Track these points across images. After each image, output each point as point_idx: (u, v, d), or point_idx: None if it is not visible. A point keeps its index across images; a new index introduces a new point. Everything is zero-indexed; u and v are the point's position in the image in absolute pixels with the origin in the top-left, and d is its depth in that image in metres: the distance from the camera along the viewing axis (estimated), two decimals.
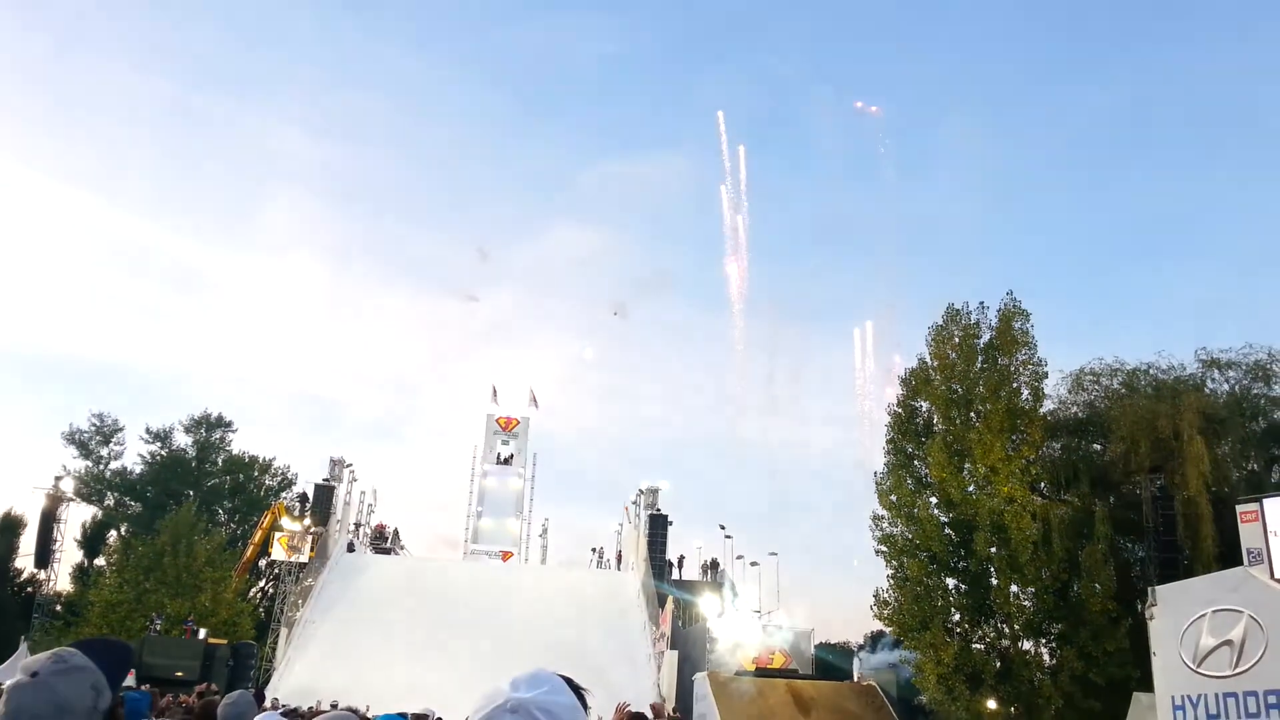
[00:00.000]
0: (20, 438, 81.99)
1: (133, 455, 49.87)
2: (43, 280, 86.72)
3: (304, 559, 33.64)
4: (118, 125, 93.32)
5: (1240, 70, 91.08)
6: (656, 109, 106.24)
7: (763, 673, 29.20)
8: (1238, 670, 21.75)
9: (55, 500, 37.01)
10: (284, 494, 49.93)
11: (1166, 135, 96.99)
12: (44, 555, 37.11)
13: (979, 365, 29.81)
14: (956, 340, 30.31)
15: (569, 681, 1.87)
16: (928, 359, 30.88)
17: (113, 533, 47.32)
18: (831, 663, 34.29)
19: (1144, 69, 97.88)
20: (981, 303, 30.64)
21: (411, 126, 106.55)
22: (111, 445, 49.68)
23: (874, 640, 37.24)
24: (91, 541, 46.54)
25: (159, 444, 50.07)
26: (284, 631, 29.08)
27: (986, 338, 30.21)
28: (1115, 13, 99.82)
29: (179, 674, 26.86)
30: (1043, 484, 29.73)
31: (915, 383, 30.89)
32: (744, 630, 30.10)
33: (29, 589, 39.94)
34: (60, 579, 39.97)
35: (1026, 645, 28.62)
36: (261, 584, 46.97)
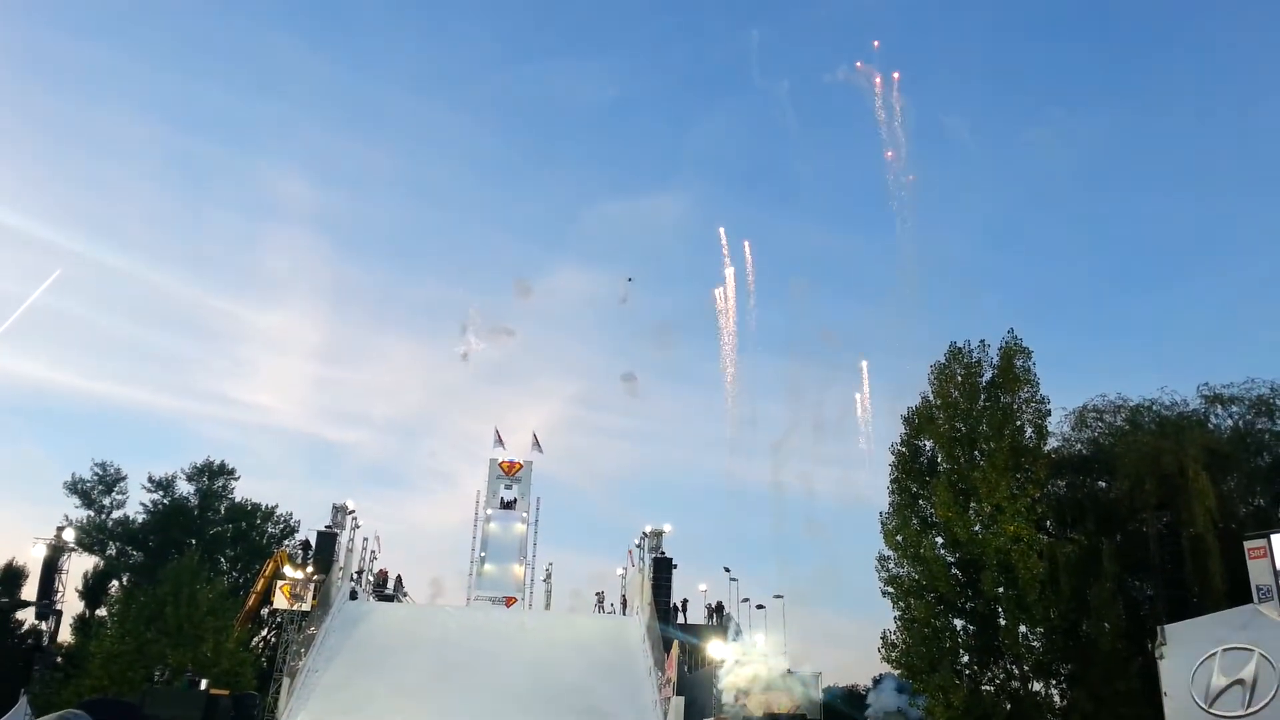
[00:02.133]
0: (23, 487, 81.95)
1: (135, 504, 49.73)
2: (44, 326, 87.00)
3: (306, 607, 33.32)
4: (119, 171, 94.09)
5: (1239, 95, 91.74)
6: (656, 151, 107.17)
7: (771, 718, 28.85)
8: (1250, 710, 21.61)
9: (57, 550, 36.82)
10: (286, 541, 49.65)
11: (1164, 161, 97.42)
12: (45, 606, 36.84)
13: (982, 403, 29.89)
14: (959, 379, 30.42)
15: None
16: (930, 397, 30.94)
17: (114, 582, 47.04)
18: (840, 707, 33.90)
19: (1138, 95, 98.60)
20: (983, 341, 30.87)
21: (412, 170, 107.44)
22: (114, 494, 49.52)
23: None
24: (93, 592, 46.25)
25: (161, 492, 49.89)
26: (286, 681, 28.69)
27: (989, 376, 30.32)
28: (1112, 37, 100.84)
29: None
30: (1048, 522, 29.66)
31: (919, 421, 30.93)
32: (760, 674, 29.78)
33: (30, 640, 39.61)
34: (62, 630, 39.66)
35: (1037, 686, 28.40)
36: (264, 633, 46.57)
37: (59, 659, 38.22)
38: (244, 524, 50.62)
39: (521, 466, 44.14)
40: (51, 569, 36.61)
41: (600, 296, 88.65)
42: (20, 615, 43.84)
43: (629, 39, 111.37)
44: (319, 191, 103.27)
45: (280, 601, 34.57)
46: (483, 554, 41.33)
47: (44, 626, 36.60)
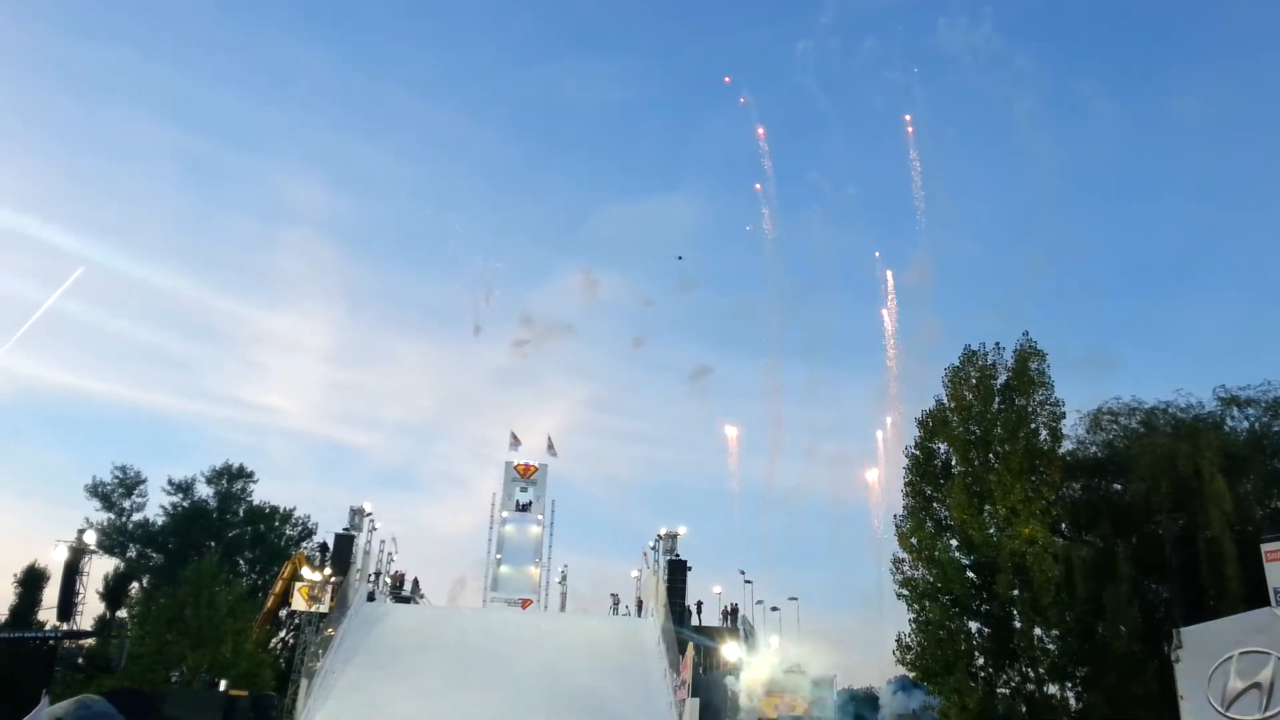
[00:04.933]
0: (43, 489, 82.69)
1: (155, 507, 50.19)
2: (61, 331, 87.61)
3: (324, 609, 33.61)
4: (134, 176, 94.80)
5: (1263, 100, 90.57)
6: (665, 152, 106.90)
7: None
8: (1268, 714, 21.49)
9: (78, 553, 37.17)
10: (304, 544, 49.94)
11: (1182, 164, 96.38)
12: (66, 608, 37.21)
13: (996, 406, 29.85)
14: (973, 381, 30.39)
15: None
16: (945, 400, 30.92)
17: (135, 584, 47.44)
18: (855, 710, 33.91)
19: (1161, 95, 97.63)
20: (998, 344, 30.81)
21: (422, 173, 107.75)
22: (134, 497, 49.98)
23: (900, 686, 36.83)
24: (114, 594, 46.63)
25: (181, 495, 50.34)
26: (304, 682, 28.94)
27: (1003, 379, 30.27)
28: (1132, 41, 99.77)
29: None
30: (1063, 525, 29.56)
31: (933, 424, 30.91)
32: (773, 676, 29.87)
33: (51, 642, 40.01)
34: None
35: (1052, 689, 28.31)
36: (282, 634, 46.87)
37: (80, 660, 38.60)
38: (262, 526, 50.97)
39: (537, 469, 44.35)
40: (73, 571, 36.97)
41: (609, 298, 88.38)
42: (42, 616, 44.33)
43: (636, 41, 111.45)
44: (330, 194, 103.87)
45: (298, 603, 34.90)
46: (499, 556, 41.56)
47: (65, 628, 37.03)
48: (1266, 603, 22.44)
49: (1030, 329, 30.51)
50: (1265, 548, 22.94)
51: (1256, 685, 22.04)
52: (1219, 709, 22.42)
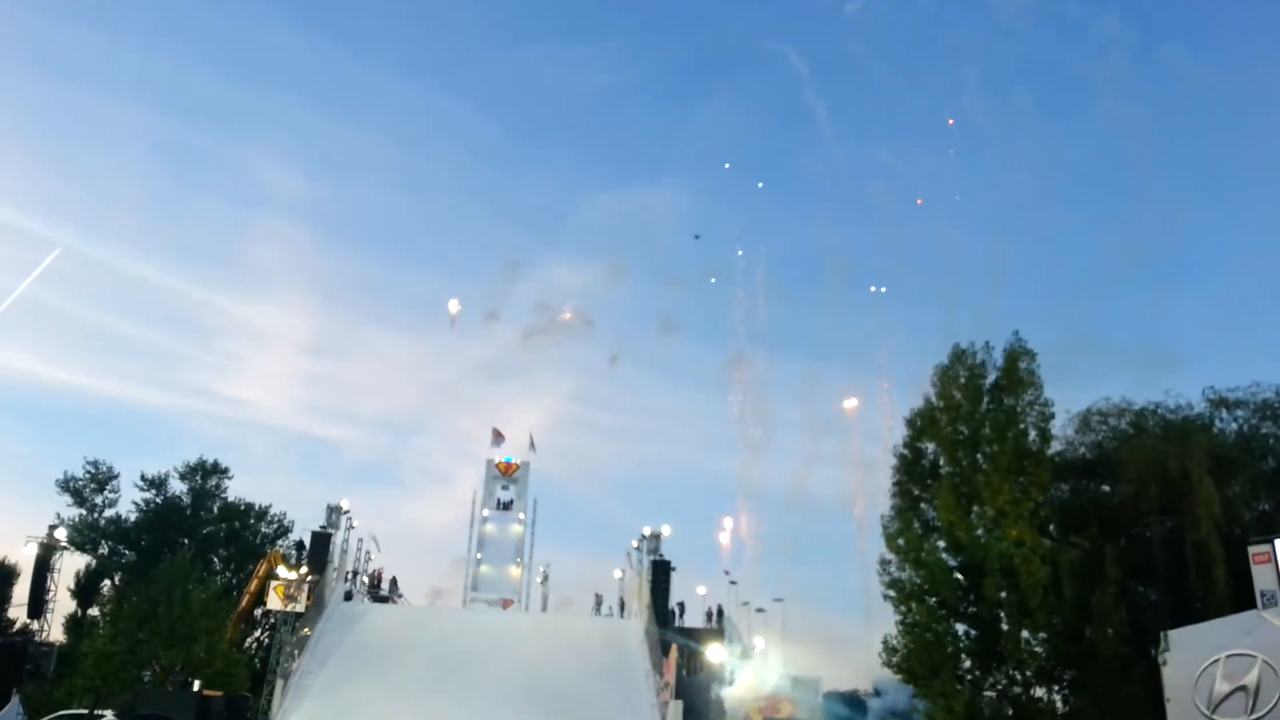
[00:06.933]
0: (12, 483, 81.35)
1: (127, 503, 49.41)
2: (30, 319, 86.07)
3: (300, 608, 33.11)
4: (107, 161, 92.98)
5: (1253, 95, 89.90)
6: (651, 140, 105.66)
7: None
8: (1253, 716, 21.47)
9: (49, 549, 36.53)
10: (280, 542, 49.46)
11: (1166, 163, 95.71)
12: (37, 605, 36.55)
13: (985, 406, 29.70)
14: (962, 381, 30.22)
15: None
16: (933, 400, 30.73)
17: (106, 582, 46.73)
18: (840, 712, 33.73)
19: (1140, 93, 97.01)
20: (987, 342, 30.67)
21: (403, 159, 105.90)
22: (106, 493, 49.20)
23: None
24: (85, 591, 45.96)
25: (154, 491, 49.57)
26: (280, 683, 28.44)
27: (992, 378, 30.13)
28: (1127, 34, 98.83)
29: None
30: (1051, 527, 29.44)
31: (921, 424, 30.73)
32: (757, 679, 29.62)
33: (21, 639, 39.28)
34: (54, 629, 39.36)
35: (1039, 693, 28.22)
36: (257, 634, 46.28)
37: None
38: (237, 524, 50.28)
39: (518, 468, 43.91)
40: (43, 569, 36.32)
41: (595, 289, 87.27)
42: (12, 614, 43.63)
43: (623, 24, 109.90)
44: (307, 180, 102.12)
45: (274, 602, 34.34)
46: (479, 555, 41.11)
47: (36, 625, 36.37)
48: (1253, 605, 22.38)
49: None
50: (1252, 550, 22.88)
51: (1242, 688, 22.01)
52: (1205, 712, 22.36)
